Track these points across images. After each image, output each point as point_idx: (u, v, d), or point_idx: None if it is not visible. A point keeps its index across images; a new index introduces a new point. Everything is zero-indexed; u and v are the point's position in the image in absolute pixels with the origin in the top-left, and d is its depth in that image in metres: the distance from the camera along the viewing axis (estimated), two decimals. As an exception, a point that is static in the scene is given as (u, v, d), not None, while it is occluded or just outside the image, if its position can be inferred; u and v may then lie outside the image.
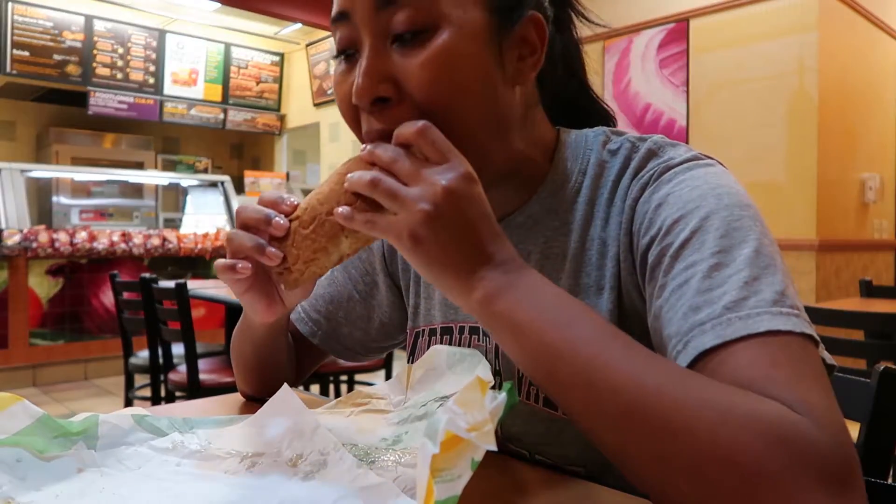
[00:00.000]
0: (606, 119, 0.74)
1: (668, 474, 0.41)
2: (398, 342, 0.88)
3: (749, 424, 0.39)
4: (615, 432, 0.44)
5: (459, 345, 0.72)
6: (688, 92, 3.94)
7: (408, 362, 0.79)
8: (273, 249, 0.56)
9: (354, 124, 0.61)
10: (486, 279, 0.50)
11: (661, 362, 0.45)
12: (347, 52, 0.59)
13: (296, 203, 0.58)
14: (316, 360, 0.87)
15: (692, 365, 0.47)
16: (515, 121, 0.62)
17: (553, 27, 0.64)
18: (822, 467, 0.38)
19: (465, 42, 0.55)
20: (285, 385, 0.62)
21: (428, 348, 0.67)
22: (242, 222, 0.58)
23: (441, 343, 0.73)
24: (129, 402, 3.06)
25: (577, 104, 0.72)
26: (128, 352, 3.01)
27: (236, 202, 5.41)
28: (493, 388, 0.47)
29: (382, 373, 3.07)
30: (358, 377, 3.36)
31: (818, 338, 0.47)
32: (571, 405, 0.46)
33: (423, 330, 0.77)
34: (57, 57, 5.89)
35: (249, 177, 6.21)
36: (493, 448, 0.41)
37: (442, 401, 0.63)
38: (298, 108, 7.25)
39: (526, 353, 0.49)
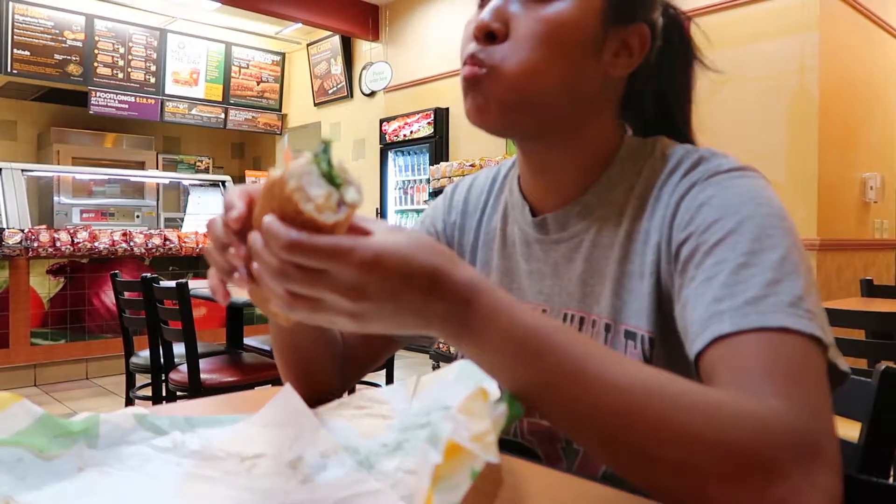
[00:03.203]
0: None
1: (659, 476, 0.45)
2: None
3: (735, 422, 0.44)
4: (607, 451, 0.47)
5: None
6: (689, 91, 3.93)
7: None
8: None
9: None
10: (441, 329, 0.48)
11: (641, 373, 0.47)
12: None
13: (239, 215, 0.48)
14: (379, 352, 0.82)
15: (707, 348, 0.51)
16: (587, 97, 0.68)
17: (666, 60, 0.73)
18: (793, 444, 0.43)
19: (579, 12, 0.64)
20: (288, 385, 0.62)
21: None
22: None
23: None
24: (130, 402, 3.06)
25: (659, 128, 0.76)
26: (129, 351, 3.01)
27: (237, 202, 5.41)
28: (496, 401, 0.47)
29: (384, 373, 3.08)
30: (359, 377, 3.35)
31: (829, 343, 0.51)
32: (560, 426, 0.50)
33: None
34: (58, 56, 5.90)
35: (251, 176, 6.20)
36: (495, 459, 0.41)
37: (445, 410, 0.63)
38: (299, 107, 7.26)
39: (508, 388, 0.50)
